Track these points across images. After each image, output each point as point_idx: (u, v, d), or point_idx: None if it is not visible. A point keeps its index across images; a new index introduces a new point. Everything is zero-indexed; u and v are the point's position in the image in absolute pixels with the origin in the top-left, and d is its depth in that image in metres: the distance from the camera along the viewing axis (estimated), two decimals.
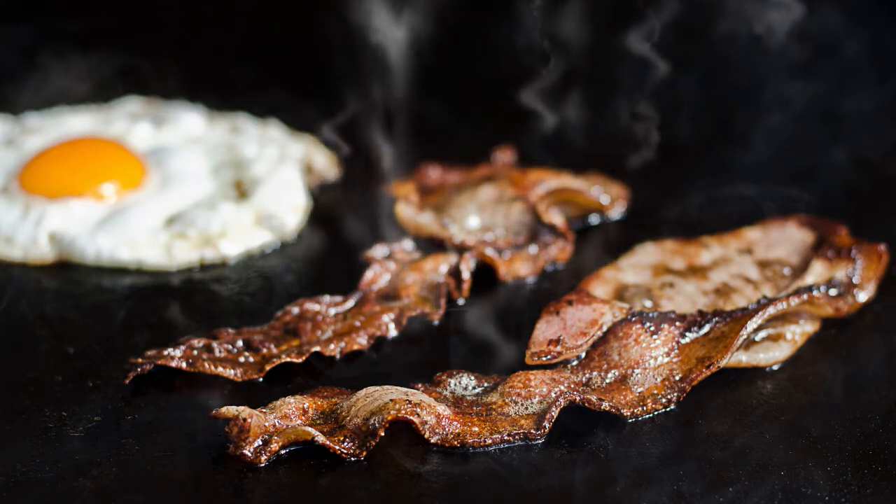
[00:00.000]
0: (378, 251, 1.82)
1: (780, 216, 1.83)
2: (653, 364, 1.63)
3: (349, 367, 1.68)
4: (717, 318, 1.65)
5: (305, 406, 1.57)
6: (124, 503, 1.49)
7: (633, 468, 1.52)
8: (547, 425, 1.55)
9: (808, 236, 1.79)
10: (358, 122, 1.99)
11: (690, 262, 1.77)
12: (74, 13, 2.32)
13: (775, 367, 1.65)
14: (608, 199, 1.91)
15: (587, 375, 1.62)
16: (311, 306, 1.74)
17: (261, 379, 1.65)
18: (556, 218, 1.85)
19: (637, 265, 1.77)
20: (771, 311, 1.65)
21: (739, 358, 1.64)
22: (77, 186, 1.90)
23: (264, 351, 1.68)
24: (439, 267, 1.80)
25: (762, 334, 1.67)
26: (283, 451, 1.54)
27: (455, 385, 1.62)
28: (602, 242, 1.87)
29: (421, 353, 1.70)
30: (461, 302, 1.77)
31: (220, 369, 1.65)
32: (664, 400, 1.60)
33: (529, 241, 1.84)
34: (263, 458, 1.53)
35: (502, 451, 1.54)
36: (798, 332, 1.68)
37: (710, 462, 1.53)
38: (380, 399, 1.55)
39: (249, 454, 1.52)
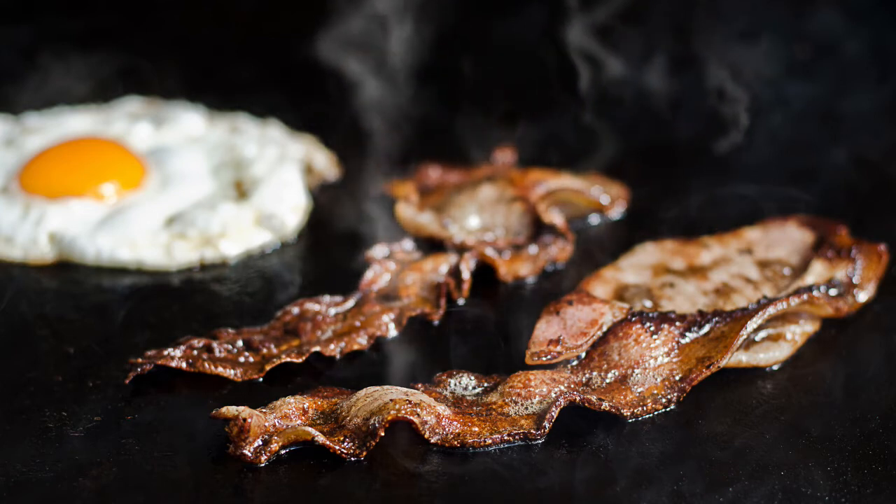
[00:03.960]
0: (378, 251, 1.82)
1: (780, 216, 1.83)
2: (653, 364, 1.63)
3: (349, 367, 1.68)
4: (717, 318, 1.65)
5: (305, 406, 1.57)
6: (124, 503, 1.49)
7: (633, 468, 1.52)
8: (547, 425, 1.55)
9: (808, 236, 1.79)
10: (358, 122, 1.99)
11: (690, 262, 1.77)
12: (74, 13, 2.32)
13: (775, 367, 1.65)
14: (608, 199, 1.91)
15: (587, 375, 1.62)
16: (311, 306, 1.74)
17: (261, 379, 1.65)
18: (556, 218, 1.85)
19: (637, 265, 1.77)
20: (771, 311, 1.65)
21: (739, 358, 1.64)
22: (77, 186, 1.90)
23: (264, 351, 1.68)
24: (439, 267, 1.80)
25: (762, 334, 1.67)
26: (283, 451, 1.54)
27: (455, 385, 1.62)
28: (602, 242, 1.87)
29: (421, 353, 1.70)
30: (461, 302, 1.77)
31: (220, 369, 1.65)
32: (664, 400, 1.60)
33: (529, 241, 1.84)
34: (263, 458, 1.53)
35: (502, 451, 1.54)
36: (798, 332, 1.68)
37: (710, 462, 1.53)
38: (380, 399, 1.55)
39: (249, 454, 1.52)
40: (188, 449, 1.55)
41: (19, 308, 1.77)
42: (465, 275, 1.78)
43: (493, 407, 1.58)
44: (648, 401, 1.60)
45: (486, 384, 1.62)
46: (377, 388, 1.58)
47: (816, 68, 2.17)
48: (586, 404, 1.56)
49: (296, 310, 1.73)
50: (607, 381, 1.62)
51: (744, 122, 1.97)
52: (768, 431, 1.56)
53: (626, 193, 1.93)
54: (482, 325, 1.74)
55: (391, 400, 1.55)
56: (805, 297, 1.67)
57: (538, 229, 1.85)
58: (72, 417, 1.59)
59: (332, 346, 1.69)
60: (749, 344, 1.66)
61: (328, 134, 2.05)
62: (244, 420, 1.53)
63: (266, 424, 1.54)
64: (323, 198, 1.97)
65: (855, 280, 1.73)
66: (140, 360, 1.65)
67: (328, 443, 1.53)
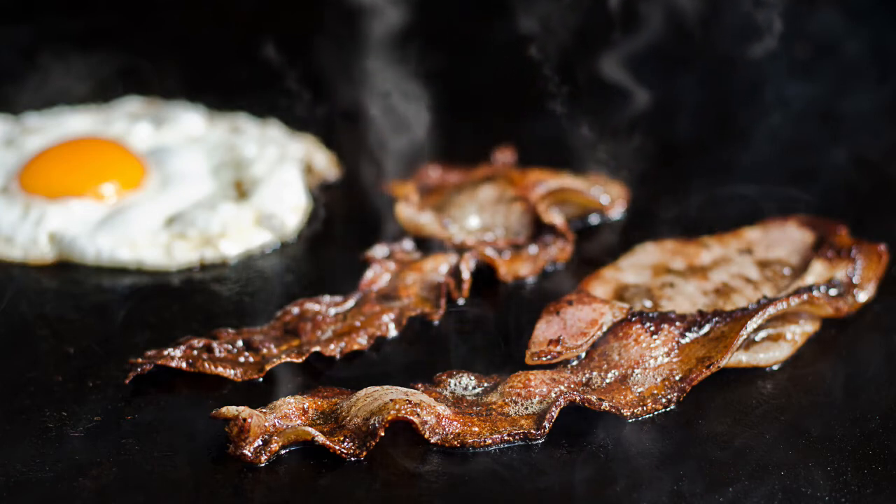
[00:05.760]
0: (378, 251, 1.82)
1: (780, 216, 1.83)
2: (653, 364, 1.63)
3: (349, 367, 1.68)
4: (717, 318, 1.65)
5: (305, 406, 1.57)
6: (124, 503, 1.49)
7: (633, 468, 1.52)
8: (547, 425, 1.55)
9: (808, 236, 1.79)
10: (358, 122, 1.99)
11: (690, 262, 1.77)
12: (74, 13, 2.32)
13: (775, 367, 1.65)
14: (608, 199, 1.91)
15: (587, 375, 1.62)
16: (311, 306, 1.74)
17: (261, 379, 1.65)
18: (556, 218, 1.85)
19: (637, 265, 1.77)
20: (771, 311, 1.65)
21: (739, 358, 1.64)
22: (77, 186, 1.90)
23: (264, 351, 1.68)
24: (439, 267, 1.80)
25: (762, 334, 1.67)
26: (283, 451, 1.54)
27: (455, 385, 1.62)
28: (602, 242, 1.87)
29: (421, 353, 1.70)
30: (461, 302, 1.77)
31: (220, 369, 1.65)
32: (664, 400, 1.60)
33: (529, 241, 1.84)
34: (263, 458, 1.53)
35: (502, 451, 1.54)
36: (798, 332, 1.68)
37: (710, 462, 1.53)
38: (380, 399, 1.55)
39: (249, 454, 1.52)
40: (188, 449, 1.55)
41: (19, 308, 1.77)
42: (465, 275, 1.78)
43: (493, 407, 1.58)
44: (648, 401, 1.60)
45: (486, 384, 1.62)
46: (377, 388, 1.58)
47: (816, 68, 2.17)
48: (586, 404, 1.56)
49: (296, 310, 1.73)
50: (607, 381, 1.62)
51: (778, 27, 1.95)
52: (768, 431, 1.56)
53: (626, 193, 1.93)
54: (482, 325, 1.74)
55: (391, 400, 1.55)
56: (805, 297, 1.67)
57: (538, 229, 1.85)
58: (72, 417, 1.59)
59: (332, 346, 1.69)
60: (749, 344, 1.66)
61: (328, 134, 2.05)
62: (244, 420, 1.53)
63: (266, 424, 1.54)
64: (323, 198, 1.97)
65: (855, 280, 1.73)
66: (140, 360, 1.65)
67: (328, 443, 1.53)
